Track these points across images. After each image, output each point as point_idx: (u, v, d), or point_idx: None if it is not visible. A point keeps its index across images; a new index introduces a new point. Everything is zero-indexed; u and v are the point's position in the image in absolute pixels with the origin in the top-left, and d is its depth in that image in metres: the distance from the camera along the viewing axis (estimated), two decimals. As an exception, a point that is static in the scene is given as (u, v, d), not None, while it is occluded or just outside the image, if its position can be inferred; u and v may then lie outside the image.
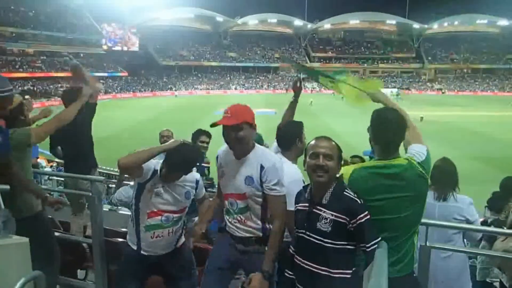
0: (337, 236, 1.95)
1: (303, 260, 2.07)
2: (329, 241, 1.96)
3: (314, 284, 2.02)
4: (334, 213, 1.95)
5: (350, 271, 1.97)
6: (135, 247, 2.59)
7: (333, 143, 2.06)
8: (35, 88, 47.64)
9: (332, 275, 1.97)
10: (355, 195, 1.98)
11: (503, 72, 75.03)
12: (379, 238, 1.94)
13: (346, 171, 2.06)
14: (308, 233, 2.03)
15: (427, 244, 2.32)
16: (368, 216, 1.93)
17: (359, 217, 1.92)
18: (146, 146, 2.51)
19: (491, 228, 3.16)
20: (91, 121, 4.01)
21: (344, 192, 1.99)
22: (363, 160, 4.08)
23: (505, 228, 3.26)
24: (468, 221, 2.79)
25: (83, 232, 4.09)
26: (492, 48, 78.47)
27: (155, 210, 2.51)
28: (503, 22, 76.65)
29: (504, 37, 77.73)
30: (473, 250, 3.05)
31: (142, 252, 2.58)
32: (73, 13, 61.04)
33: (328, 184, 2.01)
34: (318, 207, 2.01)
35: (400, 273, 2.01)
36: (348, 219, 1.93)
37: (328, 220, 1.96)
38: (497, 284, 3.30)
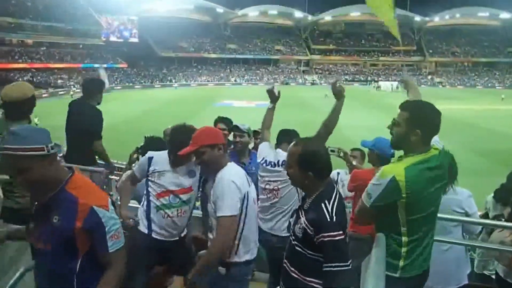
0: (305, 245, 1.88)
1: (284, 258, 2.05)
2: (300, 245, 1.91)
3: (288, 284, 1.99)
4: (306, 222, 1.88)
5: (322, 282, 1.87)
6: (146, 231, 2.65)
7: (295, 148, 1.95)
8: (34, 79, 47.43)
9: (303, 281, 1.91)
10: (331, 211, 1.84)
11: (504, 66, 74.78)
12: (345, 267, 1.79)
13: (397, 172, 1.87)
14: (291, 231, 2.02)
15: None
16: (337, 238, 1.79)
17: (322, 234, 1.80)
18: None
19: (488, 221, 3.16)
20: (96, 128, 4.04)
21: (322, 204, 1.87)
22: (363, 152, 4.06)
23: (503, 220, 3.28)
24: (467, 214, 2.80)
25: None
26: (493, 41, 78.14)
27: (163, 190, 2.63)
28: (504, 15, 76.17)
29: (506, 30, 77.30)
30: (470, 242, 3.06)
31: (153, 235, 2.64)
32: (72, 4, 60.51)
33: (309, 189, 1.96)
34: (302, 210, 1.97)
35: (427, 266, 2.07)
36: (313, 232, 1.84)
37: (302, 226, 1.89)
38: (494, 276, 3.32)
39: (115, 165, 4.60)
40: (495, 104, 40.18)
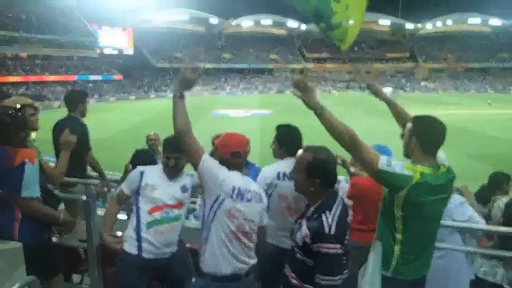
0: (304, 252, 1.89)
1: (286, 263, 2.06)
2: (300, 252, 1.92)
3: None
4: (306, 230, 1.89)
5: None
6: (135, 251, 2.56)
7: (305, 154, 1.98)
8: (29, 92, 47.28)
9: (301, 287, 1.92)
10: (331, 223, 1.85)
11: (496, 70, 75.57)
12: (335, 281, 1.81)
13: (415, 170, 1.96)
14: (293, 237, 2.03)
15: None
16: (331, 251, 1.80)
17: (318, 244, 1.82)
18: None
19: (480, 226, 3.05)
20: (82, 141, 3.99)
21: (322, 214, 1.88)
22: None
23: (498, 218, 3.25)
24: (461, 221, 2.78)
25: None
26: (484, 46, 79.08)
27: (154, 205, 2.56)
28: (495, 21, 77.30)
29: (497, 35, 78.37)
30: (462, 248, 2.97)
31: (143, 255, 2.55)
32: (66, 16, 60.68)
33: (313, 197, 1.97)
34: (304, 218, 1.98)
35: (422, 274, 2.12)
36: (310, 241, 1.85)
37: (302, 235, 1.90)
38: (479, 274, 3.28)
39: (112, 177, 4.56)
40: (487, 108, 40.49)
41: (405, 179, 1.92)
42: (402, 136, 2.21)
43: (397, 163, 1.97)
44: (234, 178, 2.24)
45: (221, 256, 2.20)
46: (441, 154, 2.22)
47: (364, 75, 2.69)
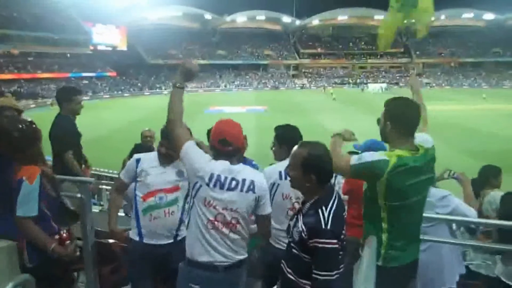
0: (301, 248, 1.89)
1: (282, 259, 2.08)
2: (296, 248, 1.92)
3: (284, 284, 2.02)
4: (303, 226, 1.89)
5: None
6: (137, 238, 2.65)
7: (300, 150, 1.96)
8: (21, 90, 46.88)
9: (297, 282, 1.93)
10: (327, 218, 1.85)
11: (489, 66, 75.95)
12: (332, 276, 1.81)
13: (391, 156, 1.98)
14: (290, 232, 2.03)
15: None
16: (328, 246, 1.80)
17: (315, 240, 1.81)
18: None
19: (464, 218, 2.89)
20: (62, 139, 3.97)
21: (319, 209, 1.88)
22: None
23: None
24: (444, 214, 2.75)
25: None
26: (478, 42, 79.44)
27: (150, 190, 2.63)
28: (488, 16, 77.64)
29: (490, 30, 78.68)
30: (450, 240, 2.94)
31: (145, 240, 2.64)
32: (60, 14, 60.04)
33: (309, 193, 1.97)
34: (300, 213, 1.99)
35: (412, 259, 2.14)
36: (307, 237, 1.85)
37: (298, 230, 1.91)
38: (472, 266, 3.28)
39: (105, 175, 4.54)
40: (481, 103, 40.68)
41: (381, 164, 1.95)
42: (378, 121, 2.21)
43: (367, 153, 2.03)
44: (216, 166, 2.16)
45: (198, 242, 2.16)
46: (428, 136, 2.24)
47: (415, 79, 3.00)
